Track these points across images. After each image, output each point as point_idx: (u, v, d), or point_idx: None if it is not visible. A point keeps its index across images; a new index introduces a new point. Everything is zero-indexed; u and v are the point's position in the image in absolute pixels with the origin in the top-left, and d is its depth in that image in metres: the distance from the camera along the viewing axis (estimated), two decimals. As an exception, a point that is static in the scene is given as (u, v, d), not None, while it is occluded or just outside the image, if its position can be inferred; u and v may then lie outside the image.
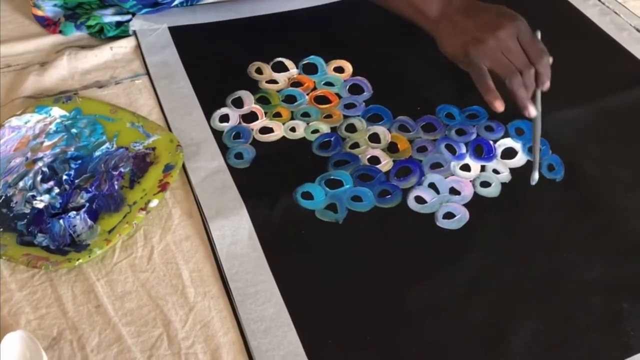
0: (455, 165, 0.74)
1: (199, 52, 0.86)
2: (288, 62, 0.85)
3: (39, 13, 0.88)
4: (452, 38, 0.73)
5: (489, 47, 0.70)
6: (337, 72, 0.84)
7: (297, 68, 0.85)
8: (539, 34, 0.74)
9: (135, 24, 0.87)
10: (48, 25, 0.88)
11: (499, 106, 0.70)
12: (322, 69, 0.84)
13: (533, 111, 0.70)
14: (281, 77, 0.83)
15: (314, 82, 0.83)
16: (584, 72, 0.85)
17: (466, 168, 0.74)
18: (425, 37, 0.77)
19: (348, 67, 0.85)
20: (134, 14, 0.88)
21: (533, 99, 0.71)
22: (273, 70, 0.84)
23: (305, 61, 0.85)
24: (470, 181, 0.72)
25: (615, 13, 0.94)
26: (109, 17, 0.87)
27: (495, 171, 0.73)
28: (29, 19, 0.90)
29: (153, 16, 0.89)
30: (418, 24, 0.77)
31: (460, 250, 0.66)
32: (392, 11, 0.80)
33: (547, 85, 0.72)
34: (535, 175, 0.71)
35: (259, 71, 0.84)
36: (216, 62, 0.85)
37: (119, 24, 0.88)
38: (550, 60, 0.72)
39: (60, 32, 0.87)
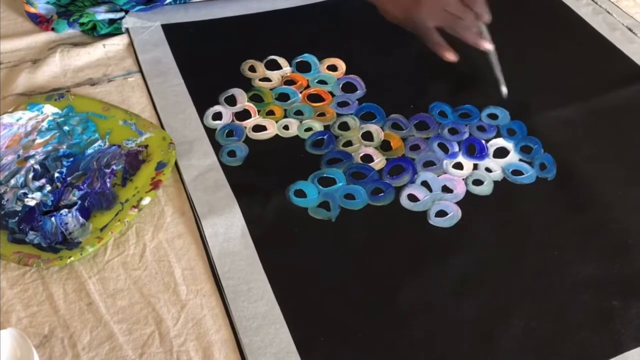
0: (447, 163, 0.74)
1: (192, 50, 0.86)
2: (281, 60, 0.85)
3: (32, 10, 0.88)
4: (393, 5, 0.78)
5: (429, 6, 0.76)
6: (331, 71, 0.84)
7: (290, 66, 0.84)
8: None
9: (128, 22, 0.87)
10: (40, 22, 0.88)
11: (451, 56, 0.76)
12: (316, 67, 0.84)
13: (487, 44, 0.77)
14: (274, 75, 0.83)
15: (307, 80, 0.83)
16: (576, 71, 0.85)
17: (459, 166, 0.74)
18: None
19: (341, 66, 0.85)
20: (126, 12, 0.88)
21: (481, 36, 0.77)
22: (266, 68, 0.84)
23: (299, 59, 0.85)
24: (463, 179, 0.72)
25: (608, 12, 0.95)
26: (101, 14, 0.87)
27: (488, 169, 0.73)
28: (21, 16, 0.89)
29: (146, 14, 0.88)
30: None
31: (453, 248, 0.66)
32: None
33: (486, 18, 0.77)
34: (504, 89, 0.78)
35: (252, 69, 0.84)
36: (209, 59, 0.85)
37: (111, 21, 0.87)
38: None
39: (52, 29, 0.87)
